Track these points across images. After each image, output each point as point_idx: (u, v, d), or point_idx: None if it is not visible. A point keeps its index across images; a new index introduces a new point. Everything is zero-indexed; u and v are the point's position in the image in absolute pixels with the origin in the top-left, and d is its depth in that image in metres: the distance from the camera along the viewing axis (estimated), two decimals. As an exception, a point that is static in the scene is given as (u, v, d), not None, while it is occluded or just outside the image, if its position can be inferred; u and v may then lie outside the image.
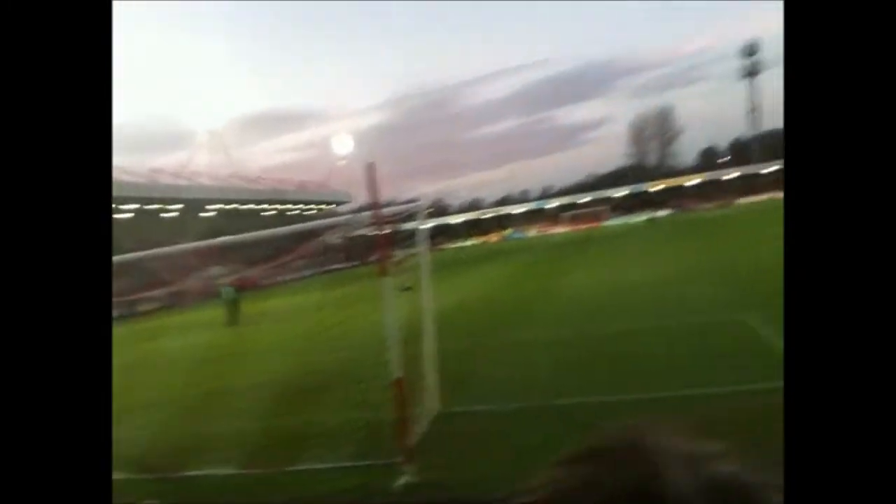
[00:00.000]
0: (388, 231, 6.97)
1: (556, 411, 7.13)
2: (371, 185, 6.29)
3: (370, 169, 6.30)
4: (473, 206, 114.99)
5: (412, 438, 6.39)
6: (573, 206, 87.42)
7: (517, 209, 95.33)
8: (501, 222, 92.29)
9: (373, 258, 9.02)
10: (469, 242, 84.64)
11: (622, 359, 9.31)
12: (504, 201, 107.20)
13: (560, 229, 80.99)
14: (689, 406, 6.72)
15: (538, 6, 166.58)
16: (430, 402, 7.62)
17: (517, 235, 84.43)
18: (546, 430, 6.39)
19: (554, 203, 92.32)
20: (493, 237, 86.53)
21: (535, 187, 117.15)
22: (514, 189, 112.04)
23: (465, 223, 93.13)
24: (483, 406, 7.84)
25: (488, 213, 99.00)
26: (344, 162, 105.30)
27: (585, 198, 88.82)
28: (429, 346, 7.77)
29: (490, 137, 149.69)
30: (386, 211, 7.13)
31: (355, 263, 54.97)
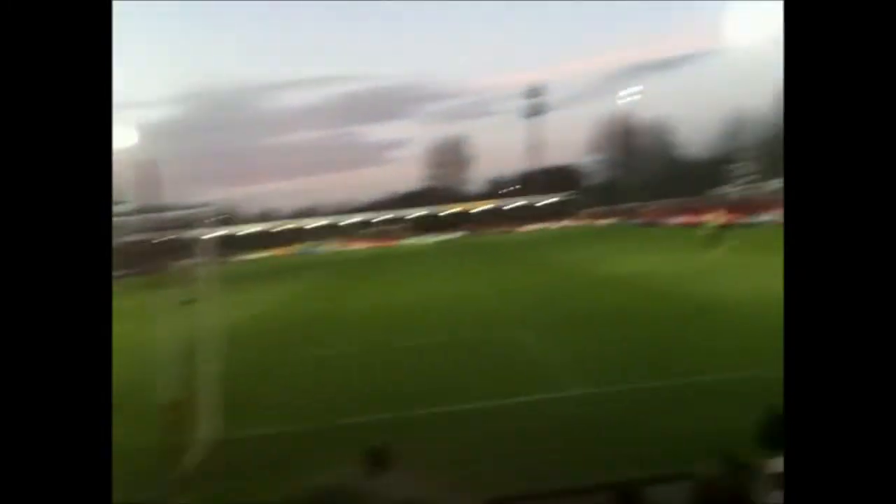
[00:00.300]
0: (168, 238, 6.29)
1: (342, 432, 7.01)
2: (152, 185, 5.62)
3: (151, 167, 5.64)
4: (266, 216, 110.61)
5: (187, 467, 5.78)
6: (370, 223, 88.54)
7: (313, 223, 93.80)
8: (296, 236, 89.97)
9: (150, 267, 8.09)
10: (260, 255, 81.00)
11: (409, 375, 9.50)
12: (299, 214, 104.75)
13: (356, 246, 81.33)
14: (466, 421, 7.06)
15: (346, 20, 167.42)
16: (210, 426, 6.99)
17: (312, 250, 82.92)
18: (330, 454, 6.20)
19: (351, 219, 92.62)
20: (287, 251, 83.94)
21: (333, 202, 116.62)
22: (310, 202, 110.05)
23: (257, 234, 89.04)
24: (269, 429, 7.41)
25: (282, 226, 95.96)
26: (123, 157, 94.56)
27: (383, 216, 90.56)
28: (211, 366, 7.14)
29: (288, 147, 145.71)
30: (167, 215, 6.44)
31: (128, 273, 49.28)
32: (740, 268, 18.68)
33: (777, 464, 2.98)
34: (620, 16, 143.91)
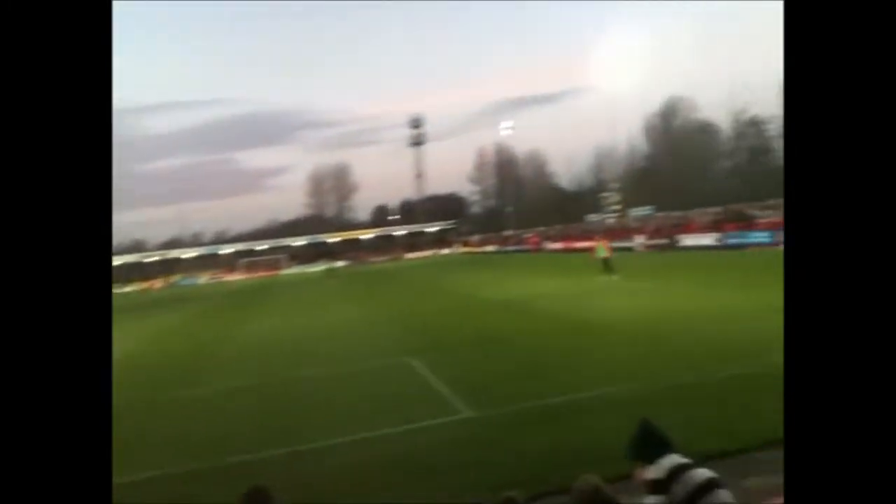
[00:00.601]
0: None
1: (226, 471, 6.72)
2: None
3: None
4: (136, 247, 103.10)
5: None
6: (251, 252, 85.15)
7: (189, 253, 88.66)
8: (170, 267, 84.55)
9: None
10: (132, 288, 75.07)
11: (296, 408, 9.28)
12: (172, 244, 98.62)
13: (235, 277, 77.82)
14: (363, 449, 7.04)
15: (221, 41, 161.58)
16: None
17: (187, 282, 78.24)
18: (216, 495, 5.94)
19: (230, 249, 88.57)
20: (159, 283, 78.61)
21: (210, 231, 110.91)
22: (185, 231, 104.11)
23: (128, 266, 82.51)
24: (149, 472, 6.93)
25: (155, 256, 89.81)
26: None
27: (264, 245, 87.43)
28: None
29: (161, 173, 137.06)
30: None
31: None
32: (614, 289, 20.07)
33: (650, 471, 3.09)
34: (496, 51, 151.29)
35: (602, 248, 24.13)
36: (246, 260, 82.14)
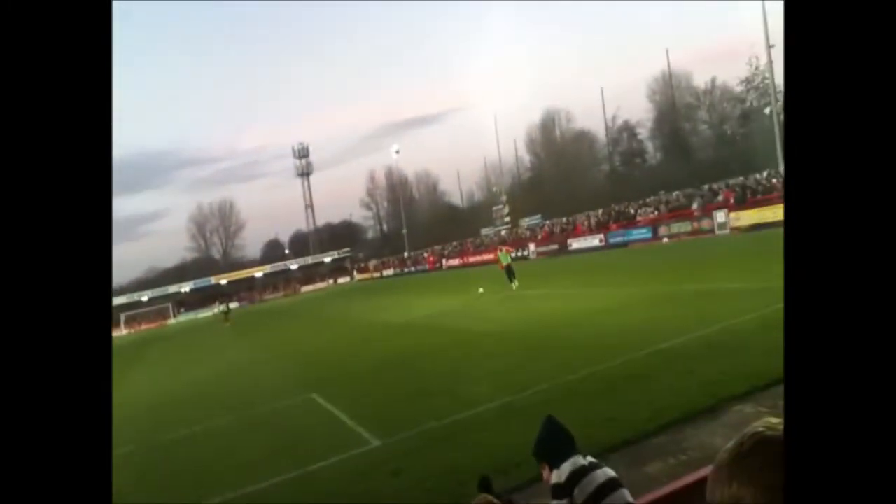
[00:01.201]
0: None
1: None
2: None
3: None
4: None
5: None
6: (132, 305, 79.38)
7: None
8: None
9: None
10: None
11: (191, 466, 8.62)
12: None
13: (117, 333, 72.24)
14: (271, 497, 6.63)
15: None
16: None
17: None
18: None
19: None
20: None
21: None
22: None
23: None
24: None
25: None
26: None
27: (146, 295, 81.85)
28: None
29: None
30: None
31: None
32: (510, 298, 20.51)
33: (553, 476, 3.06)
34: (375, 76, 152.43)
35: (505, 255, 24.67)
36: (127, 313, 76.41)
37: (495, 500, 2.80)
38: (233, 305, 53.54)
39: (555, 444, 3.17)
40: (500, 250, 25.75)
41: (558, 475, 3.01)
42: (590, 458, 3.10)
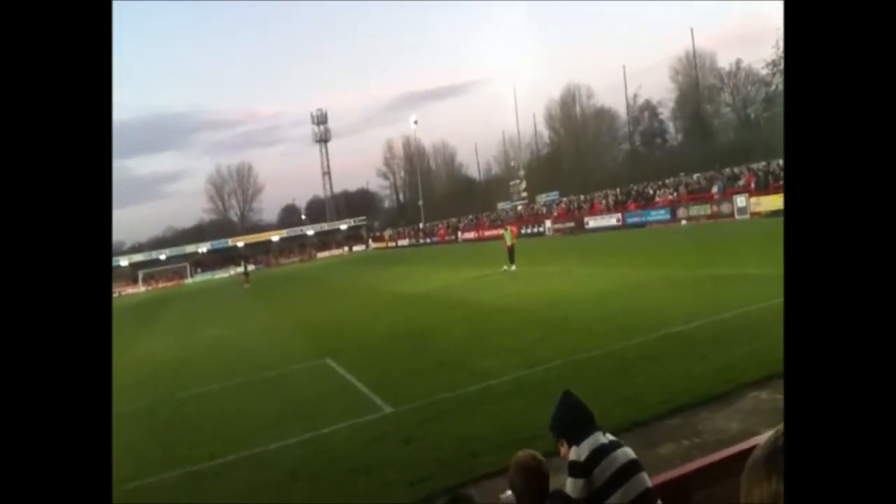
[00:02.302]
0: None
1: (144, 491, 6.31)
2: None
3: None
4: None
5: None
6: (150, 263, 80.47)
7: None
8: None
9: None
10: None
11: (204, 423, 8.81)
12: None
13: (133, 290, 73.44)
14: (285, 456, 6.78)
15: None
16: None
17: (82, 299, 72.94)
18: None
19: (126, 261, 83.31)
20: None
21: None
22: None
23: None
24: None
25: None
26: None
27: (164, 254, 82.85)
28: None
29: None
30: None
31: None
32: (525, 275, 20.51)
33: (572, 452, 2.96)
34: (396, 46, 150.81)
35: (508, 234, 24.05)
36: (145, 271, 77.55)
37: (540, 456, 2.80)
38: (250, 268, 54.14)
39: (573, 419, 3.04)
40: (506, 229, 25.43)
41: (577, 453, 2.91)
42: (609, 437, 3.00)
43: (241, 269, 48.66)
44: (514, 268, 21.86)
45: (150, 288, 72.58)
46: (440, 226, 69.32)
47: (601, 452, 2.89)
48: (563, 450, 3.06)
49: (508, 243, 23.13)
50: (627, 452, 2.93)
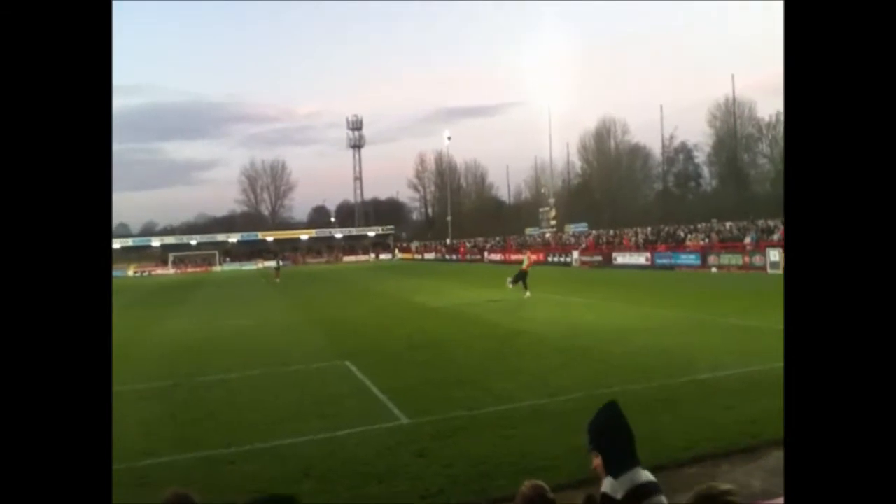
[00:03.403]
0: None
1: (146, 472, 6.40)
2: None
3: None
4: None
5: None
6: (182, 246, 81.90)
7: (113, 244, 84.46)
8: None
9: None
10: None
11: (220, 410, 8.91)
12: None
13: (161, 271, 74.71)
14: (297, 452, 6.83)
15: (153, 25, 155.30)
16: None
17: (113, 273, 74.61)
18: (136, 496, 5.65)
19: (156, 242, 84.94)
20: (79, 273, 74.57)
21: (136, 222, 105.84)
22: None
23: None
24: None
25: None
26: None
27: (195, 240, 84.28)
28: None
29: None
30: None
31: None
32: (549, 303, 20.41)
33: (606, 484, 2.75)
34: (434, 60, 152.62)
35: (525, 260, 23.99)
36: (176, 254, 78.93)
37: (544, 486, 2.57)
38: (274, 264, 55.03)
39: (616, 441, 2.72)
40: (525, 254, 25.44)
41: (613, 487, 2.63)
42: (648, 475, 2.70)
43: (269, 264, 49.48)
44: (528, 294, 21.73)
45: (178, 271, 73.75)
46: (462, 243, 69.48)
47: (640, 494, 2.61)
48: (595, 461, 2.79)
49: (524, 266, 22.98)
50: (663, 501, 2.66)
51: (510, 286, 22.66)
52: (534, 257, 26.36)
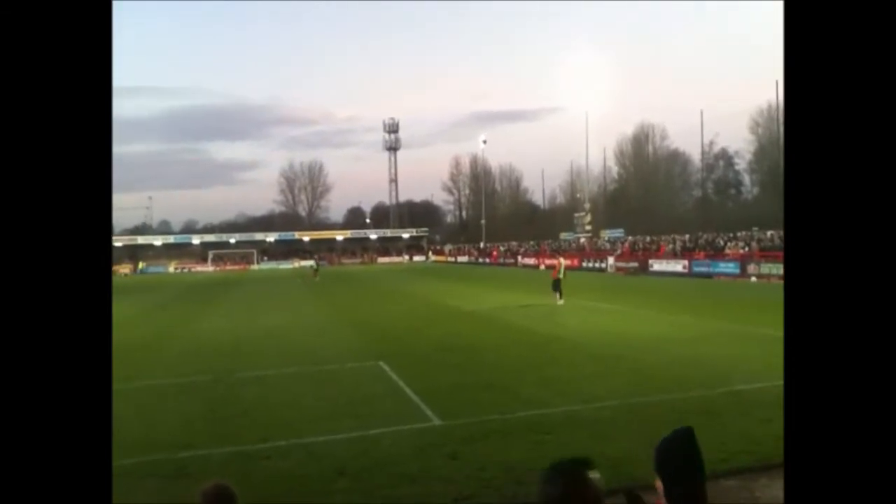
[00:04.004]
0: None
1: (182, 464, 6.58)
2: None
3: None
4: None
5: None
6: (221, 245, 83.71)
7: (156, 240, 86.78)
8: (133, 253, 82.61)
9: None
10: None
11: (253, 406, 9.10)
12: (139, 230, 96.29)
13: (201, 268, 76.47)
14: (329, 450, 6.94)
15: (197, 30, 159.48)
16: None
17: (153, 269, 76.67)
18: (171, 489, 5.82)
19: (197, 240, 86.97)
20: (122, 269, 76.90)
21: (177, 220, 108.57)
22: (151, 218, 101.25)
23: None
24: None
25: (118, 241, 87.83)
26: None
27: (234, 238, 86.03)
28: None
29: (127, 157, 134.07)
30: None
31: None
32: (584, 309, 20.23)
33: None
34: (472, 64, 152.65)
35: (560, 268, 23.12)
36: (215, 251, 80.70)
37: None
38: (311, 263, 55.90)
39: (680, 468, 2.39)
40: (557, 260, 25.04)
41: None
42: None
43: (305, 263, 50.34)
44: (561, 301, 21.44)
45: (217, 268, 75.38)
46: (494, 247, 69.31)
47: None
48: (657, 483, 2.56)
49: (560, 275, 22.42)
50: None
51: (559, 302, 21.82)
52: (566, 262, 25.80)
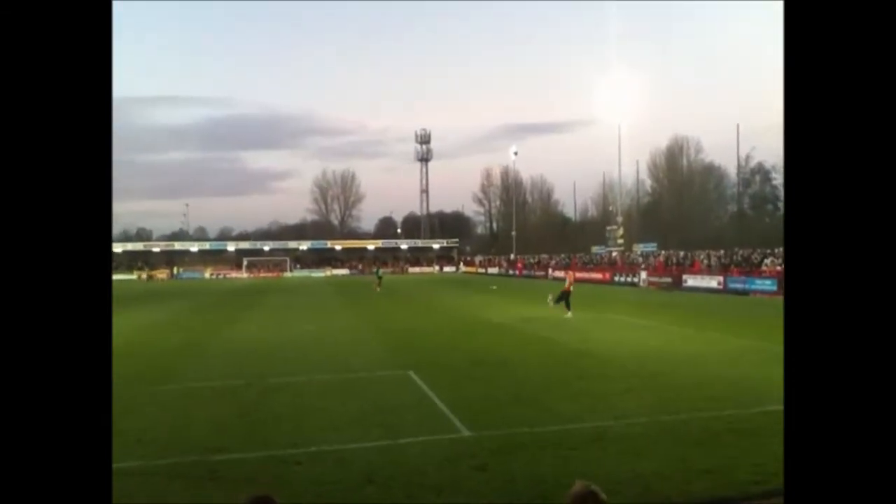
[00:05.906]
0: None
1: (215, 467, 6.71)
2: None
3: None
4: (139, 236, 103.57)
5: None
6: (255, 252, 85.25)
7: (193, 247, 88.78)
8: (170, 259, 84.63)
9: None
10: (132, 276, 75.40)
11: (283, 412, 9.23)
12: (176, 236, 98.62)
13: (235, 275, 77.86)
14: (359, 458, 7.01)
15: (233, 40, 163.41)
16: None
17: (189, 275, 78.37)
18: (202, 491, 5.93)
19: (231, 247, 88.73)
20: (160, 273, 78.80)
21: (213, 227, 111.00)
22: (187, 225, 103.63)
23: (127, 254, 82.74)
24: (131, 463, 6.89)
25: (156, 247, 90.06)
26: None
27: (266, 246, 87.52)
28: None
29: (164, 165, 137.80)
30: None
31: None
32: (616, 324, 20.02)
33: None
34: (504, 76, 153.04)
35: (567, 281, 23.42)
36: (249, 259, 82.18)
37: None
38: (342, 272, 55.99)
39: None
40: (567, 273, 25.02)
41: None
42: None
43: (338, 272, 50.01)
44: (569, 314, 21.42)
45: (251, 275, 76.69)
46: (520, 259, 69.17)
47: None
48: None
49: (566, 286, 22.59)
50: None
51: (551, 305, 22.31)
52: (573, 276, 25.80)
